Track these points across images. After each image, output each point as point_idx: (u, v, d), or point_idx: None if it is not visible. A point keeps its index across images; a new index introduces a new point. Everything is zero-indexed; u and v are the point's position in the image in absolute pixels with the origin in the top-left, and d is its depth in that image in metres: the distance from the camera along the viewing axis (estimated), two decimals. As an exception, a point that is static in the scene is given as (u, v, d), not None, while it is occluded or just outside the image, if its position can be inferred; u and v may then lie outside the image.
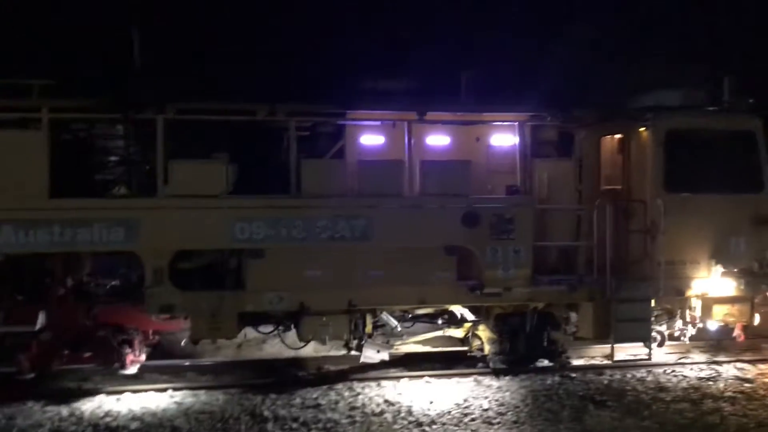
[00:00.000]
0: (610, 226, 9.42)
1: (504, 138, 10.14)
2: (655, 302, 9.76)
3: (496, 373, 9.44)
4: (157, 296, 8.39)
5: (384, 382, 9.10)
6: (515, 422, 7.78)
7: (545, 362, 9.77)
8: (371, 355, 9.39)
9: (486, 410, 8.13)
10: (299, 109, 9.09)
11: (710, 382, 9.33)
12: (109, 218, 8.27)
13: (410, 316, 9.78)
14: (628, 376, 9.57)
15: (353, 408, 8.21)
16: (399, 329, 9.64)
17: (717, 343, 10.85)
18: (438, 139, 9.94)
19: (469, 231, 9.05)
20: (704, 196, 9.73)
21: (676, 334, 10.21)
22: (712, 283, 9.86)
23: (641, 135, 9.88)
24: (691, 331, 10.19)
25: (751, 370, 9.89)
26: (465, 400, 8.43)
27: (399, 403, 8.36)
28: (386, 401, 8.43)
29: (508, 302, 9.43)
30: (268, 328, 9.45)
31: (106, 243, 8.33)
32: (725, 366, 10.08)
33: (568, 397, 8.66)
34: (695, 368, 9.98)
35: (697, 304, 9.97)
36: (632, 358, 10.05)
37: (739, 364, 10.13)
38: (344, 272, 8.81)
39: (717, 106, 10.06)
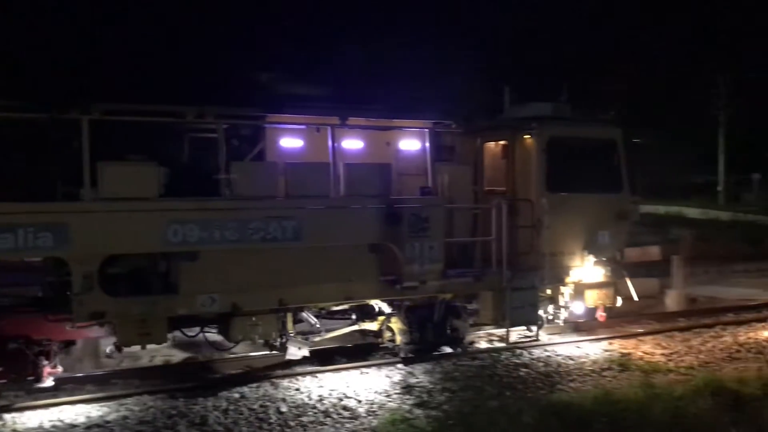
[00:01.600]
0: (505, 223, 10.33)
1: (411, 143, 10.89)
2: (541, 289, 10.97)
3: (406, 362, 9.98)
4: (87, 303, 8.01)
5: (309, 377, 9.42)
6: (431, 402, 8.56)
7: (448, 349, 10.53)
8: (294, 352, 9.63)
9: (403, 394, 8.79)
10: (228, 112, 9.16)
11: (584, 356, 10.72)
12: (36, 223, 7.80)
13: (325, 312, 10.11)
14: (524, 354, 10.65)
15: (284, 401, 8.51)
16: (318, 326, 9.99)
17: (584, 323, 12.16)
18: (353, 143, 10.46)
19: (390, 229, 9.56)
20: (578, 195, 10.99)
21: (550, 317, 11.42)
22: (585, 271, 11.21)
23: (525, 142, 10.96)
24: (564, 314, 11.45)
25: (620, 344, 11.43)
26: (383, 387, 9.03)
27: (325, 393, 8.79)
28: (315, 393, 8.80)
29: (424, 294, 10.01)
30: (195, 331, 9.37)
31: (33, 249, 7.88)
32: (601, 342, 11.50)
33: (476, 377, 9.51)
34: (572, 345, 11.24)
35: (570, 290, 11.27)
36: (523, 339, 11.19)
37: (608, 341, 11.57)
38: (275, 272, 8.96)
39: (585, 118, 11.64)
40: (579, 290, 11.26)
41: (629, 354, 10.78)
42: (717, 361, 10.48)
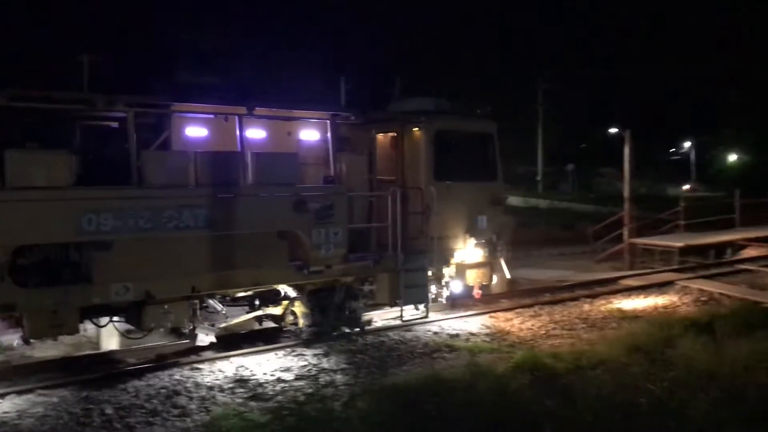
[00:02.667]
0: (399, 210, 11.04)
1: (311, 133, 11.29)
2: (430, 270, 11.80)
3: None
4: None
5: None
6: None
7: (346, 329, 11.04)
8: (203, 338, 9.90)
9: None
10: (140, 101, 9.05)
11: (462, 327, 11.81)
12: None
13: (229, 299, 10.29)
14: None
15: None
16: (224, 312, 10.21)
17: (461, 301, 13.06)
18: (257, 133, 10.65)
19: (298, 217, 9.95)
20: (461, 183, 11.95)
21: (433, 296, 12.29)
22: (466, 253, 12.26)
23: (414, 134, 11.79)
24: (446, 292, 12.43)
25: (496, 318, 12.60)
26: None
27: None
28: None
29: (329, 278, 10.51)
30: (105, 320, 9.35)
31: None
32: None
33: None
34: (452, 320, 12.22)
35: (453, 270, 12.24)
36: (413, 317, 11.89)
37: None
38: (188, 260, 9.07)
39: (466, 112, 12.80)
40: (461, 270, 12.30)
41: (457, 335, 11.27)
42: (536, 338, 11.27)
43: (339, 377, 9.23)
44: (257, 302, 10.61)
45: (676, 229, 23.45)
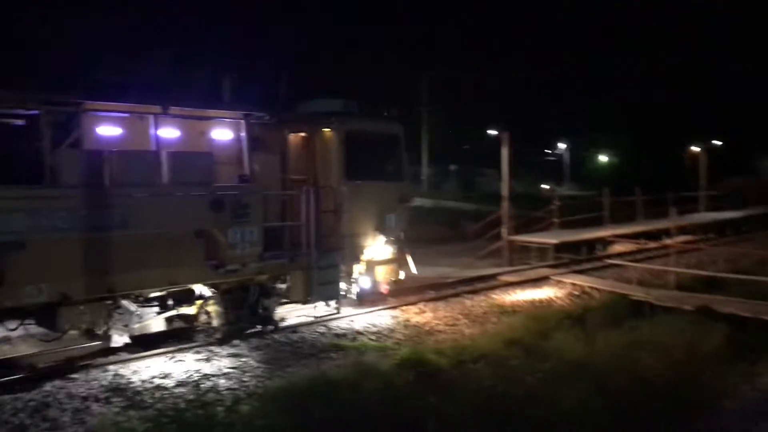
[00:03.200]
0: (313, 209, 11.21)
1: (224, 132, 11.19)
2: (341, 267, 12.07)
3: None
4: None
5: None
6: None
7: (259, 327, 11.07)
8: (117, 339, 9.82)
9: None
10: (52, 99, 8.85)
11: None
12: None
13: (143, 300, 10.05)
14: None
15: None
16: (138, 312, 10.03)
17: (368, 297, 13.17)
18: (170, 132, 10.44)
19: (214, 216, 9.95)
20: (370, 183, 12.34)
21: (343, 292, 12.47)
22: (376, 250, 12.63)
23: (326, 134, 12.02)
24: (356, 288, 12.71)
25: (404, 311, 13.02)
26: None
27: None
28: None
29: (244, 277, 10.57)
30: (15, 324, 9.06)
31: None
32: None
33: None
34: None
35: (363, 267, 12.55)
36: (326, 313, 12.09)
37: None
38: (104, 260, 8.89)
39: (374, 114, 13.20)
40: (370, 267, 12.66)
41: (345, 334, 11.35)
42: (420, 335, 11.46)
43: (222, 381, 9.06)
44: (170, 302, 10.38)
45: (551, 227, 24.61)
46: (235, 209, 10.16)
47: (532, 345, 10.90)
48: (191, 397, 8.51)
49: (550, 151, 62.54)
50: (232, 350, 10.33)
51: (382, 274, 12.85)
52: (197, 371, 9.36)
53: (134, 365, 9.45)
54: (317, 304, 11.89)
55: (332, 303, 12.03)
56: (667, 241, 19.73)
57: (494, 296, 14.77)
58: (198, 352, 10.17)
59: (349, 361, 9.96)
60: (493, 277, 17.04)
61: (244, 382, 9.12)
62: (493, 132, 36.98)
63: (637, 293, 14.13)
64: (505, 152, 21.40)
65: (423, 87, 45.75)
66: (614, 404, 8.42)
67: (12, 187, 8.22)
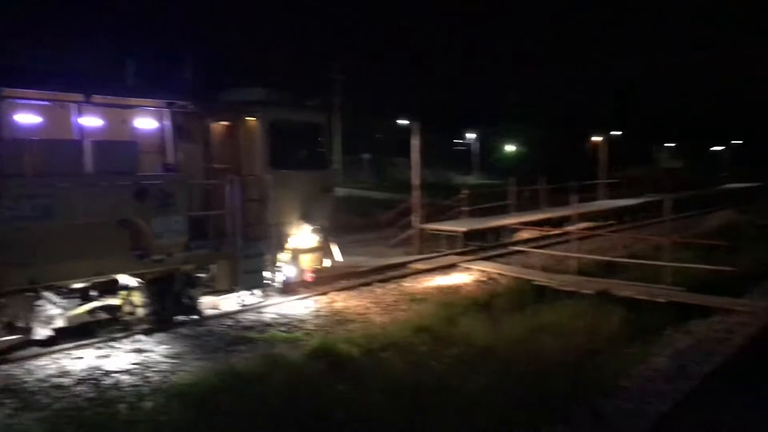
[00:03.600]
0: (238, 198, 11.17)
1: (147, 121, 11.07)
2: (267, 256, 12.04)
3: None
4: None
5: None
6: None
7: (185, 317, 11.05)
8: (41, 332, 9.48)
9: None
10: None
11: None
12: None
13: (66, 291, 9.80)
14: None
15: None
16: (61, 304, 9.72)
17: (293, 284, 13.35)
18: (92, 121, 10.24)
19: (139, 205, 9.86)
20: (295, 172, 12.40)
21: (268, 281, 12.40)
22: (301, 238, 12.72)
23: (250, 123, 11.95)
24: (281, 276, 12.73)
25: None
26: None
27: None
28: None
29: (170, 266, 10.50)
30: None
31: None
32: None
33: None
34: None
35: (288, 255, 12.60)
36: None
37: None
38: (28, 251, 8.75)
39: (298, 103, 13.07)
40: (295, 255, 12.73)
41: (252, 327, 11.14)
42: (331, 324, 11.44)
43: (125, 378, 8.77)
44: (94, 293, 10.18)
45: (460, 215, 25.10)
46: (160, 198, 10.08)
47: (441, 332, 11.08)
48: (92, 395, 8.19)
49: (460, 141, 63.71)
50: (135, 345, 10.02)
51: (307, 262, 12.91)
52: (98, 368, 9.03)
53: (32, 363, 9.02)
54: (242, 293, 11.91)
55: (257, 292, 12.04)
56: (569, 228, 20.47)
57: (405, 284, 14.92)
58: (99, 348, 9.81)
59: (259, 352, 9.84)
60: (403, 265, 17.23)
61: (148, 377, 8.86)
62: (403, 122, 37.32)
63: (541, 278, 14.63)
64: (415, 142, 21.60)
65: (335, 75, 45.56)
66: (518, 388, 8.66)
67: None
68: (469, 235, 21.36)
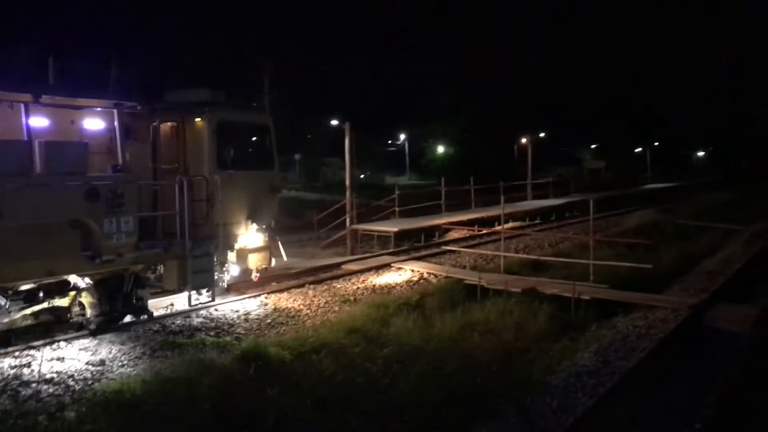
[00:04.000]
0: (187, 198, 11.14)
1: (95, 122, 11.13)
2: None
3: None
4: None
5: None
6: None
7: (134, 317, 11.13)
8: None
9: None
10: None
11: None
12: None
13: (12, 293, 9.79)
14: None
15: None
16: (7, 305, 9.73)
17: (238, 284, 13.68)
18: (40, 121, 10.22)
19: (90, 206, 9.75)
20: (242, 172, 12.44)
21: (216, 281, 12.32)
22: (248, 238, 12.75)
23: (197, 124, 11.99)
24: (227, 276, 12.93)
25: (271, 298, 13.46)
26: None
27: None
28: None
29: (120, 267, 10.48)
30: None
31: None
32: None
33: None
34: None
35: (234, 254, 12.68)
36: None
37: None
38: None
39: (244, 104, 13.24)
40: (242, 255, 12.74)
41: (181, 331, 10.87)
42: (261, 327, 11.29)
43: (45, 387, 8.42)
44: (40, 294, 10.17)
45: (392, 216, 25.25)
46: (110, 199, 10.01)
47: (373, 332, 11.10)
48: (10, 406, 7.86)
49: (393, 142, 64.05)
50: (55, 353, 9.64)
51: (254, 261, 12.92)
52: (15, 378, 8.64)
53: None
54: (188, 293, 11.68)
55: (204, 292, 11.93)
56: (498, 228, 20.87)
57: (337, 285, 14.88)
58: (16, 357, 9.39)
59: (187, 357, 9.62)
60: (336, 266, 17.18)
61: (70, 386, 8.53)
62: (335, 122, 37.24)
63: (471, 277, 14.83)
64: (347, 142, 21.59)
65: (266, 73, 44.99)
66: (449, 386, 8.77)
67: None
68: (401, 236, 21.51)
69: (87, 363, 9.35)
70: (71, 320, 10.71)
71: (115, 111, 10.73)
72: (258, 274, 13.33)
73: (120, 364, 9.44)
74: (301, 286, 14.68)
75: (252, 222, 12.78)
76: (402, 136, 61.24)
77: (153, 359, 9.69)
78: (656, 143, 71.56)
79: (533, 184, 37.10)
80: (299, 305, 13.05)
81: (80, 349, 9.88)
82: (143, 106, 11.40)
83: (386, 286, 15.03)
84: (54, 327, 10.64)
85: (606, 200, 36.15)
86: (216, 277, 12.35)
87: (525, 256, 18.20)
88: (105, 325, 10.62)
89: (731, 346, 10.62)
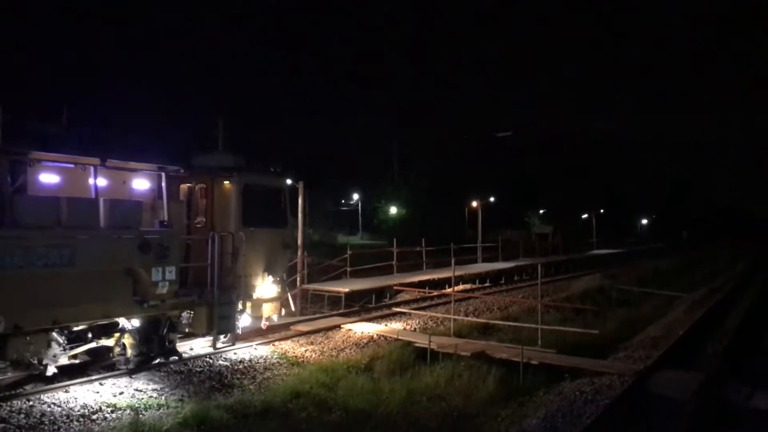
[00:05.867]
0: (217, 251, 12.79)
1: (142, 182, 12.59)
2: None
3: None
4: None
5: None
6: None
7: (160, 359, 12.17)
8: (51, 369, 10.53)
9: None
10: (15, 149, 9.96)
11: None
12: None
13: (67, 332, 10.73)
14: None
15: (43, 415, 9.26)
16: (66, 343, 10.75)
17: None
18: (101, 181, 11.42)
19: (142, 256, 11.22)
20: (262, 229, 14.03)
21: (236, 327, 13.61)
22: (264, 289, 14.26)
23: (224, 185, 13.71)
24: (243, 324, 14.00)
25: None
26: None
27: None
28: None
29: (162, 311, 11.85)
30: None
31: None
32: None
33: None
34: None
35: (250, 304, 14.02)
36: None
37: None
38: (53, 294, 9.91)
39: (264, 169, 14.91)
40: (258, 304, 14.19)
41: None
42: (205, 390, 10.98)
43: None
44: (90, 335, 11.22)
45: (344, 275, 25.14)
46: (158, 251, 11.46)
47: (320, 396, 10.90)
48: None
49: (344, 201, 64.34)
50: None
51: (268, 311, 14.33)
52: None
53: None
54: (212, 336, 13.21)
55: (221, 337, 13.42)
56: (448, 290, 20.97)
57: (284, 346, 14.63)
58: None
59: (126, 421, 9.24)
60: (285, 326, 16.89)
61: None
62: (288, 181, 37.29)
63: (421, 340, 14.77)
64: (300, 201, 21.58)
65: (219, 131, 45.04)
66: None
67: None
68: (352, 296, 21.38)
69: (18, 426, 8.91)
70: (113, 359, 11.85)
71: (162, 174, 12.28)
72: (267, 323, 14.68)
73: (54, 427, 9.01)
74: (249, 346, 14.38)
75: (268, 274, 14.23)
76: (355, 196, 61.64)
77: (90, 422, 9.29)
78: (602, 210, 73.60)
79: (483, 247, 37.56)
80: (245, 366, 12.75)
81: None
82: (184, 169, 13.03)
83: (335, 347, 14.84)
84: (88, 366, 11.64)
85: (554, 264, 36.83)
86: (236, 323, 13.58)
87: (474, 319, 18.27)
88: (140, 365, 11.78)
89: (674, 413, 10.76)
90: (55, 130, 11.22)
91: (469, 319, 18.21)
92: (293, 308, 15.61)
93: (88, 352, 11.49)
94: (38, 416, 9.29)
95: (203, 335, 13.38)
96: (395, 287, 23.53)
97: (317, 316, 19.04)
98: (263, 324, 14.56)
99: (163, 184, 12.29)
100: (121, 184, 12.31)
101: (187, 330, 13.09)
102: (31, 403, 9.72)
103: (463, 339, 15.44)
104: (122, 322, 11.53)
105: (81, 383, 10.73)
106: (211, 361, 12.82)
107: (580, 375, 12.85)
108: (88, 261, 10.33)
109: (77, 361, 11.50)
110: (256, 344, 14.40)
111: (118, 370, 11.62)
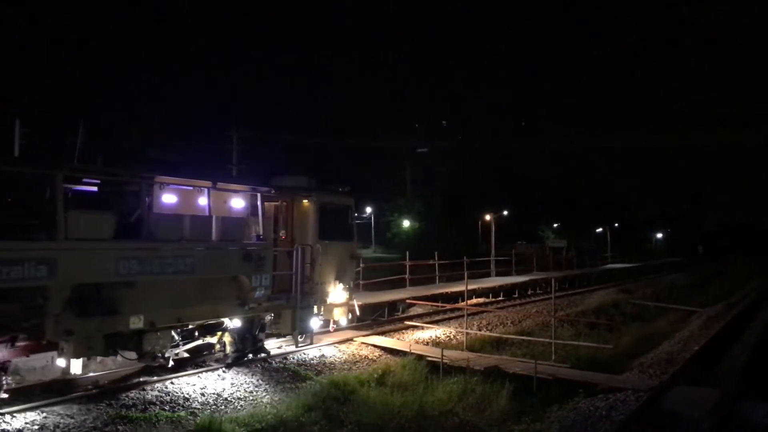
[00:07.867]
0: (300, 261, 14.51)
1: (239, 201, 13.94)
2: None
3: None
4: (61, 323, 9.79)
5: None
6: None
7: (251, 355, 13.75)
8: (170, 361, 12.13)
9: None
10: (150, 175, 11.73)
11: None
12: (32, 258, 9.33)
13: (180, 330, 12.32)
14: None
15: (165, 398, 10.72)
16: (180, 339, 12.43)
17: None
18: (202, 200, 12.94)
19: (245, 265, 12.95)
20: (334, 242, 15.90)
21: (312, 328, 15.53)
22: (336, 295, 16.07)
23: (303, 203, 15.52)
24: (316, 325, 15.80)
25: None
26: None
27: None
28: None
29: (258, 313, 13.57)
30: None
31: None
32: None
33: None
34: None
35: (323, 308, 15.86)
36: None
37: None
38: (177, 296, 11.60)
39: (335, 189, 16.72)
40: (330, 309, 16.00)
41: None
42: (217, 403, 10.95)
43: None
44: (196, 333, 12.87)
45: (357, 289, 25.12)
46: (257, 261, 13.15)
47: (333, 410, 10.86)
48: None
49: (357, 215, 64.31)
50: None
51: (338, 314, 16.19)
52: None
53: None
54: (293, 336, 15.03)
55: (300, 337, 15.06)
56: (461, 304, 20.87)
57: (296, 359, 14.60)
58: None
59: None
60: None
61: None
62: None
63: (433, 354, 14.72)
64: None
65: (234, 146, 45.39)
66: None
67: (128, 241, 10.75)
68: (365, 309, 21.32)
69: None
70: (213, 354, 13.65)
71: (258, 194, 13.91)
72: (335, 326, 16.81)
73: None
74: (265, 359, 14.36)
75: (339, 282, 16.00)
76: (369, 209, 61.72)
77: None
78: (616, 224, 73.12)
79: (496, 261, 37.41)
80: (257, 380, 12.73)
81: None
82: (273, 189, 14.64)
83: (348, 361, 14.81)
84: (187, 361, 13.04)
85: (568, 279, 36.59)
86: (313, 325, 15.43)
87: (487, 333, 18.16)
88: (236, 360, 13.35)
89: (690, 430, 10.61)
90: (172, 156, 13.03)
91: (482, 333, 18.11)
92: (358, 313, 17.45)
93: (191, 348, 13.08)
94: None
95: (288, 335, 15.23)
96: (408, 301, 23.47)
97: (331, 329, 18.99)
98: (331, 327, 16.74)
99: (259, 203, 13.93)
100: (222, 203, 13.58)
101: (271, 330, 14.86)
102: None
103: (475, 353, 15.36)
104: (226, 322, 13.19)
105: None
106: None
107: (594, 390, 12.73)
108: (205, 269, 11.98)
109: (187, 356, 13.11)
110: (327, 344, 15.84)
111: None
